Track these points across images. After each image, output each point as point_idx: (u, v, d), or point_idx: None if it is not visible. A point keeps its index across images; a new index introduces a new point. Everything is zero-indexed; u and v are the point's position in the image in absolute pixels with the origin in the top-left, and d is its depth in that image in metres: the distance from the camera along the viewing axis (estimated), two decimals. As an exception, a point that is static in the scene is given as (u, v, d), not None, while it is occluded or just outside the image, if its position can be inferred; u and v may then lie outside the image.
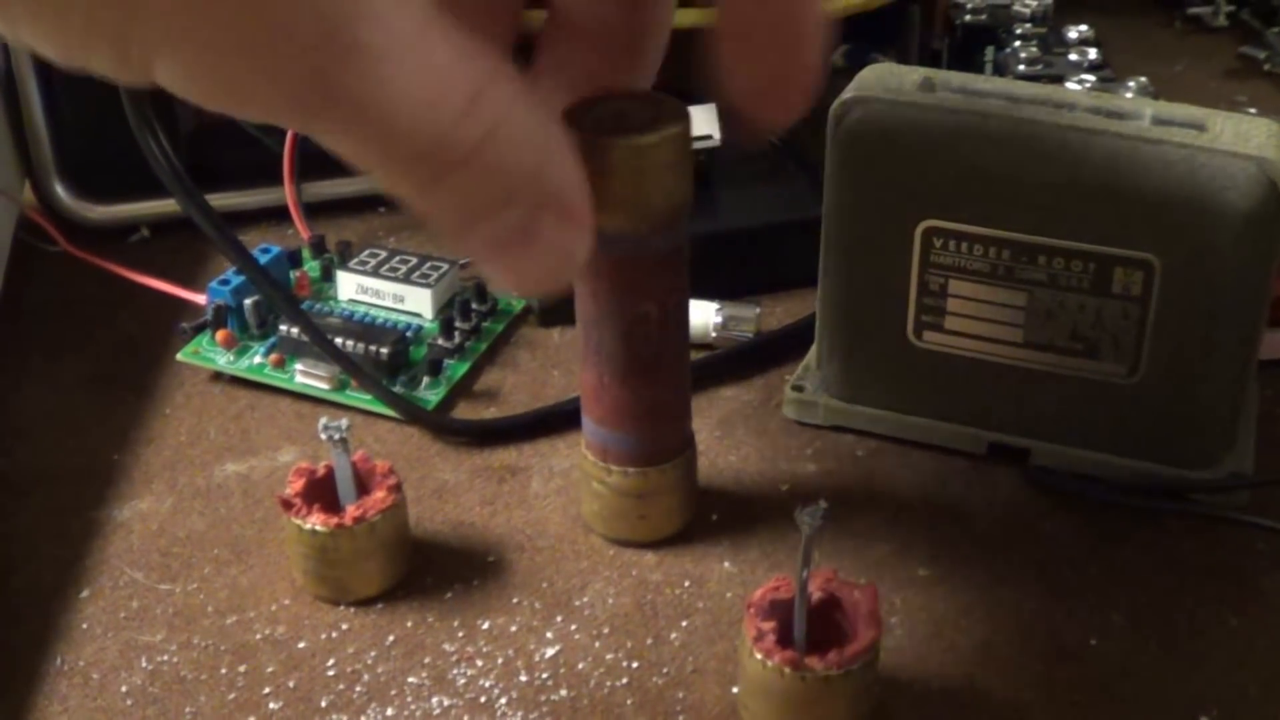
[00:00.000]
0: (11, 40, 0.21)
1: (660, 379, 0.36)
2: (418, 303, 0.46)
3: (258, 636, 0.35)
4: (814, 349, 0.43)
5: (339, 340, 0.43)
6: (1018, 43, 0.57)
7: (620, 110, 0.31)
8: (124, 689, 0.34)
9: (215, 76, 0.21)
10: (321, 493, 0.36)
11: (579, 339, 0.36)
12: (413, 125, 0.22)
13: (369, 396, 0.43)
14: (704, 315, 0.45)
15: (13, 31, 0.21)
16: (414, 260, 0.47)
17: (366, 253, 0.48)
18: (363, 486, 0.37)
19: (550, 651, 0.35)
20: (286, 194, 0.50)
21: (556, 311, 0.47)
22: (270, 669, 0.34)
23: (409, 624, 0.36)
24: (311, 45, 0.21)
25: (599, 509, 0.38)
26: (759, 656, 0.31)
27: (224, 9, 0.20)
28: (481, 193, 0.24)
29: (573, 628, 0.36)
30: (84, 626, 0.36)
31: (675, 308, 0.36)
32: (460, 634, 0.36)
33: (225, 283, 0.45)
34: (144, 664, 0.35)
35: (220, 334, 0.45)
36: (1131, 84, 0.53)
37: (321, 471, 0.37)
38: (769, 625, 0.32)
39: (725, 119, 0.48)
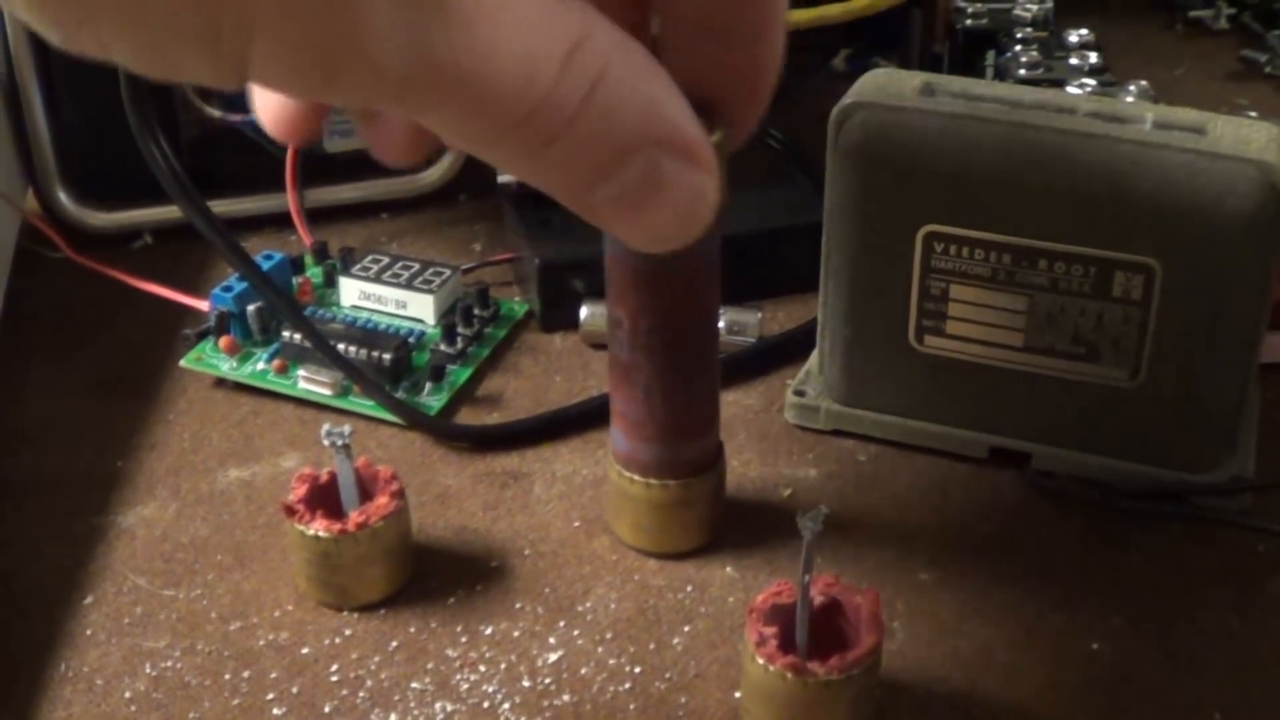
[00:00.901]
0: (102, 58, 0.20)
1: (693, 390, 0.36)
2: (420, 308, 0.46)
3: (261, 642, 0.35)
4: (815, 354, 0.43)
5: (341, 346, 0.43)
6: (1018, 47, 0.57)
7: None
8: (128, 695, 0.34)
9: (312, 62, 0.20)
10: (324, 499, 0.37)
11: (610, 349, 0.36)
12: (514, 87, 0.21)
13: (371, 402, 0.43)
14: (706, 320, 0.45)
15: (104, 51, 0.20)
16: (416, 266, 0.47)
17: (369, 258, 0.48)
18: (365, 492, 0.37)
19: (553, 657, 0.35)
20: (289, 200, 0.50)
21: (559, 317, 0.47)
22: (274, 675, 0.35)
23: (412, 629, 0.36)
24: (404, 11, 0.20)
25: (630, 520, 0.38)
26: (761, 661, 0.32)
27: None
28: (596, 150, 0.22)
29: (575, 633, 0.36)
30: (88, 632, 0.36)
31: (706, 319, 0.35)
32: (463, 639, 0.36)
33: (228, 289, 0.45)
34: (148, 670, 0.35)
35: (223, 340, 0.45)
36: (1132, 88, 0.53)
37: (324, 477, 0.37)
38: (771, 630, 0.32)
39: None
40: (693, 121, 0.23)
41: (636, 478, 0.37)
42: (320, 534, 0.35)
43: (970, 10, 0.59)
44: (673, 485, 0.37)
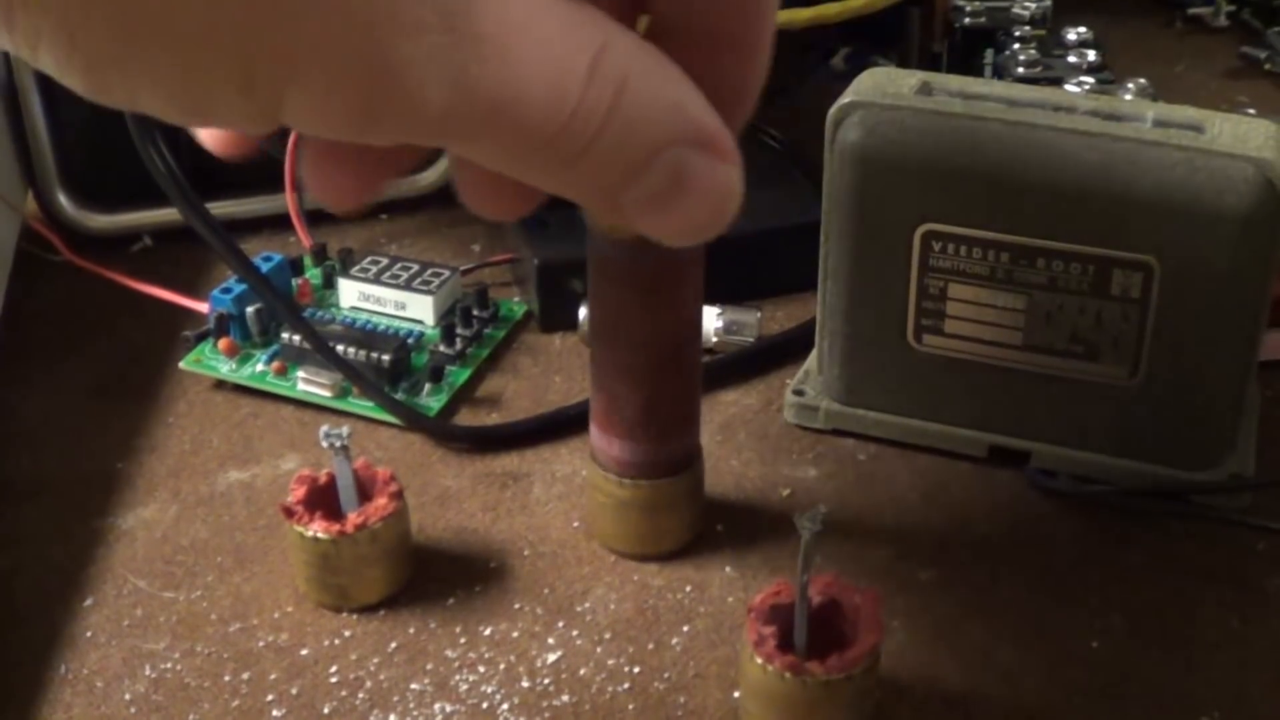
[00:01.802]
0: (130, 106, 0.20)
1: (671, 389, 0.36)
2: (419, 309, 0.46)
3: (261, 644, 0.36)
4: (814, 353, 0.43)
5: (341, 348, 0.43)
6: (1017, 45, 0.57)
7: None
8: (127, 697, 0.34)
9: (349, 105, 0.20)
10: (324, 500, 0.37)
11: (592, 348, 0.36)
12: (544, 108, 0.21)
13: (371, 404, 0.43)
14: (705, 320, 0.45)
15: (132, 100, 0.20)
16: (415, 267, 0.47)
17: (368, 260, 0.48)
18: (365, 494, 0.37)
19: (552, 657, 0.35)
20: (288, 201, 0.50)
21: (558, 317, 0.47)
22: (273, 676, 0.35)
23: (411, 630, 0.36)
24: (440, 44, 0.20)
25: (606, 521, 0.38)
26: (760, 661, 0.32)
27: (350, 30, 0.19)
28: (623, 157, 0.23)
29: (574, 633, 0.36)
30: (88, 634, 0.36)
31: (689, 318, 0.35)
32: (462, 640, 0.36)
33: (227, 291, 0.45)
34: (147, 672, 0.35)
35: (222, 342, 0.45)
36: (1131, 85, 0.53)
37: (323, 479, 0.37)
38: (770, 630, 0.32)
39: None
40: (713, 116, 0.23)
41: (613, 477, 0.37)
42: (319, 535, 0.35)
43: (969, 9, 0.59)
44: (645, 485, 0.37)
